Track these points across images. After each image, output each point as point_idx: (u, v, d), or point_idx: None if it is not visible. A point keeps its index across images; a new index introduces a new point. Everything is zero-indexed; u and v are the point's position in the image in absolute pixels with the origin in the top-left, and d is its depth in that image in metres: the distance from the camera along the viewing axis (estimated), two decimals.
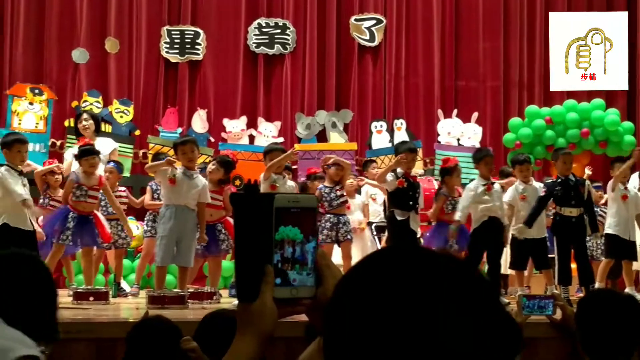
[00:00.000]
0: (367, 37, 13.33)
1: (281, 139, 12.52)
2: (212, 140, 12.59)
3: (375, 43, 13.34)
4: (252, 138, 12.78)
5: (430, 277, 1.16)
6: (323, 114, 13.02)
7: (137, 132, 12.37)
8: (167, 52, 12.79)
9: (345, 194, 10.02)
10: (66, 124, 12.02)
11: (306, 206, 1.47)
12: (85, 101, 12.19)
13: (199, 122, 12.69)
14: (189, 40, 12.85)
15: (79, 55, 12.38)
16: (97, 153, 8.90)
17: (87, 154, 8.74)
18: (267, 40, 13.10)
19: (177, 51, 12.81)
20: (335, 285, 1.26)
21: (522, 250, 9.56)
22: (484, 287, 1.19)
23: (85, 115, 10.14)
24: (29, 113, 11.77)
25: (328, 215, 9.94)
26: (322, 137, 13.00)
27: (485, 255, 9.18)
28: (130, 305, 8.63)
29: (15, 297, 2.76)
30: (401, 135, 12.84)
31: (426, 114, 13.40)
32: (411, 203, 9.18)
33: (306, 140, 12.90)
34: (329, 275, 1.47)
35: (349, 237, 9.90)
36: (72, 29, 12.48)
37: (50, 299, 2.91)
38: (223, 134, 12.70)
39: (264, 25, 13.09)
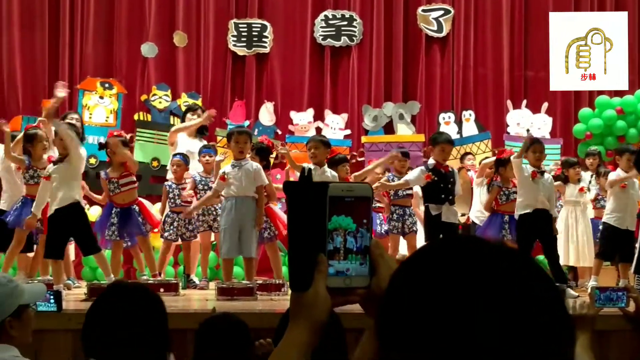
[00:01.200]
0: (435, 28, 13.22)
1: (348, 131, 12.52)
2: (279, 132, 12.64)
3: (443, 34, 13.22)
4: (319, 130, 12.77)
5: (487, 267, 1.14)
6: (390, 105, 12.97)
7: None
8: (234, 45, 12.86)
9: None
10: (135, 117, 12.18)
11: (360, 195, 1.45)
12: (154, 95, 12.34)
13: (266, 115, 12.74)
14: (256, 33, 12.90)
15: (148, 49, 12.52)
16: (126, 144, 9.01)
17: (119, 145, 8.81)
18: (333, 32, 13.08)
19: (244, 44, 12.87)
20: (391, 276, 1.24)
21: (615, 241, 9.50)
22: (539, 276, 1.16)
23: (199, 111, 10.39)
24: (100, 107, 11.96)
25: (394, 207, 9.92)
26: (389, 129, 12.94)
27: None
28: (200, 297, 8.70)
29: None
30: (470, 127, 12.74)
31: (495, 105, 13.24)
32: (443, 196, 9.06)
33: (373, 132, 12.87)
34: (383, 265, 1.45)
35: (414, 229, 9.89)
36: (141, 23, 12.62)
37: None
38: (290, 127, 12.74)
39: (330, 17, 13.08)
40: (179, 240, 9.68)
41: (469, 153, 11.83)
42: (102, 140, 9.34)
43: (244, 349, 3.33)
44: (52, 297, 5.13)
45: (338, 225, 1.43)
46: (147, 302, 2.96)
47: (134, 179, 9.05)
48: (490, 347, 1.10)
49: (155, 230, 9.42)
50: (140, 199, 9.20)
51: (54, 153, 8.69)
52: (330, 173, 9.03)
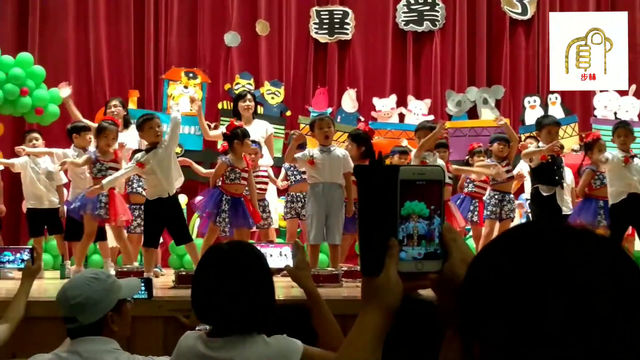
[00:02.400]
0: (519, 11, 13.03)
1: (431, 117, 12.42)
2: (362, 119, 12.59)
3: (528, 16, 13.03)
4: (402, 116, 12.73)
5: (572, 255, 1.11)
6: (474, 90, 12.84)
7: (288, 113, 12.54)
8: (316, 33, 12.88)
9: (511, 169, 9.90)
10: (220, 106, 12.30)
11: (432, 178, 1.44)
12: (237, 83, 12.43)
13: (349, 102, 12.74)
14: (338, 20, 12.90)
15: (231, 38, 12.62)
16: (248, 136, 9.01)
17: (245, 136, 8.82)
18: (416, 18, 13.00)
19: (326, 31, 12.88)
20: (471, 262, 1.22)
21: None
22: (628, 266, 1.13)
23: (249, 96, 10.39)
24: (184, 96, 12.08)
25: (493, 192, 9.84)
26: (473, 113, 12.84)
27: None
28: (285, 284, 8.73)
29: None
30: (555, 110, 12.52)
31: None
32: (557, 178, 8.93)
33: (457, 117, 12.77)
34: (456, 249, 1.43)
35: (512, 215, 9.79)
36: (223, 13, 12.72)
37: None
38: (373, 113, 12.71)
39: (412, 2, 12.99)
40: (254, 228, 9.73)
41: (531, 136, 11.62)
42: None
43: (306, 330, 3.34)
44: (143, 284, 5.20)
45: (411, 211, 1.41)
46: (248, 258, 2.99)
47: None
48: (573, 337, 1.07)
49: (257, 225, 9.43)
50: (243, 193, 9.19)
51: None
52: (440, 161, 9.00)
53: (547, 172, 8.97)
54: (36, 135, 9.78)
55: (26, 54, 11.00)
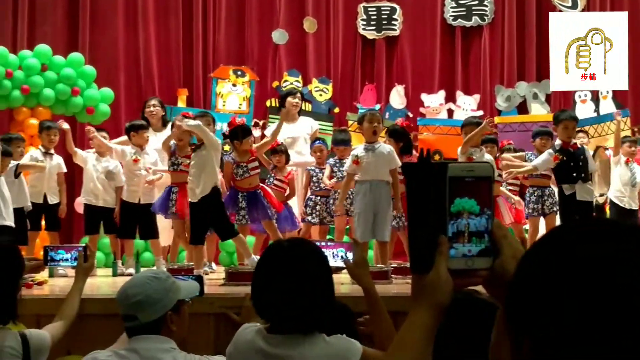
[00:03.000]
0: (569, 4, 12.91)
1: (480, 112, 12.34)
2: (411, 115, 12.57)
3: (579, 9, 12.89)
4: (450, 112, 12.68)
5: (622, 251, 1.10)
6: (523, 85, 12.74)
7: (336, 110, 12.54)
8: (364, 29, 12.86)
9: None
10: (267, 103, 12.34)
11: (481, 175, 1.43)
12: (285, 81, 12.46)
13: (397, 98, 12.71)
14: (386, 16, 12.87)
15: (279, 36, 12.65)
16: (249, 133, 9.06)
17: (245, 135, 8.87)
18: (464, 12, 12.92)
19: (373, 28, 12.86)
20: (521, 258, 1.22)
21: None
22: None
23: (299, 94, 10.52)
24: (232, 94, 12.16)
25: (532, 189, 9.75)
26: (522, 108, 12.73)
27: None
28: (335, 281, 8.71)
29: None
30: (607, 104, 12.39)
31: (635, 81, 12.80)
32: (575, 174, 8.82)
33: (506, 112, 12.68)
34: (506, 246, 1.42)
35: (554, 209, 9.68)
36: (271, 10, 12.75)
37: None
38: (421, 109, 12.67)
39: None
40: (320, 224, 9.75)
41: (581, 131, 11.49)
42: (226, 130, 9.43)
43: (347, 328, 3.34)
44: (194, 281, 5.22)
45: (461, 208, 1.41)
46: (307, 255, 2.99)
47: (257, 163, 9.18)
48: (623, 334, 1.06)
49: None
50: (261, 184, 9.24)
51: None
52: (487, 156, 8.93)
53: (564, 170, 8.88)
54: (104, 134, 9.87)
55: (77, 54, 11.15)
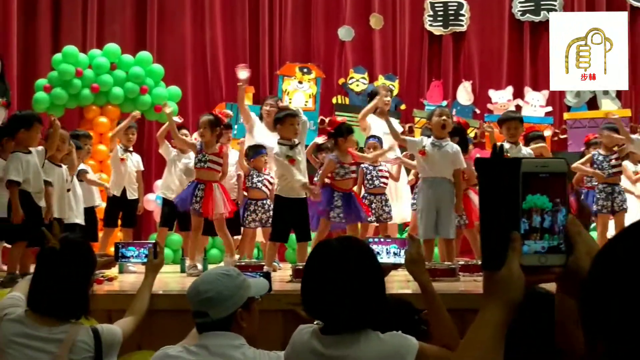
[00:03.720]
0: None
1: (549, 108, 12.20)
2: (478, 112, 12.49)
3: None
4: (518, 108, 12.53)
5: None
6: None
7: (403, 107, 12.49)
8: (430, 25, 12.79)
9: (620, 162, 9.66)
10: (334, 100, 12.35)
11: (555, 171, 1.41)
12: (351, 78, 12.46)
13: (464, 94, 12.61)
14: (453, 12, 12.79)
15: (345, 32, 12.65)
16: (352, 132, 9.03)
17: (349, 132, 8.85)
18: (532, 7, 12.78)
19: (440, 23, 12.78)
20: (595, 256, 1.19)
21: None
22: None
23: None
24: (299, 92, 12.19)
25: (602, 185, 9.60)
26: (592, 104, 12.53)
27: None
28: (401, 278, 8.69)
29: None
30: None
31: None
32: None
33: (576, 108, 12.51)
34: (581, 242, 1.40)
35: (624, 206, 9.54)
36: (337, 7, 12.76)
37: None
38: (489, 105, 12.56)
39: None
40: (377, 221, 9.72)
41: None
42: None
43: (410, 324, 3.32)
44: (262, 278, 5.23)
45: (533, 205, 1.39)
46: (356, 254, 2.97)
47: None
48: None
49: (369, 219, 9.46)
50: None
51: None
52: (525, 151, 8.82)
53: None
54: (184, 131, 9.95)
55: (145, 53, 11.30)
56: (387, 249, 3.96)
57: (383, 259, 3.61)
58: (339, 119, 9.36)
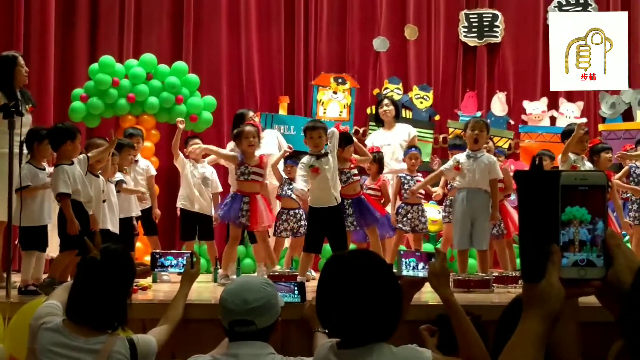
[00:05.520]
0: None
1: (584, 120, 12.11)
2: (512, 123, 12.43)
3: None
4: (553, 119, 12.47)
5: None
6: (629, 92, 12.42)
7: (437, 117, 12.47)
8: (465, 36, 12.77)
9: None
10: (368, 111, 12.35)
11: (595, 184, 1.41)
12: (386, 88, 12.45)
13: (498, 105, 12.56)
14: (487, 23, 12.75)
15: (380, 43, 12.66)
16: (351, 141, 9.05)
17: (347, 143, 8.89)
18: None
19: (475, 35, 12.75)
20: (638, 270, 1.19)
21: None
22: None
23: (386, 101, 10.54)
24: (333, 102, 12.21)
25: (635, 197, 9.53)
26: (628, 116, 12.42)
27: None
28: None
29: None
30: None
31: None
32: None
33: (611, 119, 12.40)
34: (620, 256, 1.40)
35: None
36: (372, 18, 12.76)
37: None
38: (523, 116, 12.51)
39: (564, 3, 12.69)
40: (412, 231, 9.71)
41: None
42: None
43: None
44: (296, 288, 5.24)
45: (572, 217, 1.40)
46: (368, 267, 2.97)
47: None
48: None
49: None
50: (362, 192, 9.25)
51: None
52: (588, 165, 8.78)
53: None
54: (197, 140, 10.04)
55: (181, 62, 11.37)
56: (406, 262, 3.91)
57: (409, 272, 3.60)
58: None
